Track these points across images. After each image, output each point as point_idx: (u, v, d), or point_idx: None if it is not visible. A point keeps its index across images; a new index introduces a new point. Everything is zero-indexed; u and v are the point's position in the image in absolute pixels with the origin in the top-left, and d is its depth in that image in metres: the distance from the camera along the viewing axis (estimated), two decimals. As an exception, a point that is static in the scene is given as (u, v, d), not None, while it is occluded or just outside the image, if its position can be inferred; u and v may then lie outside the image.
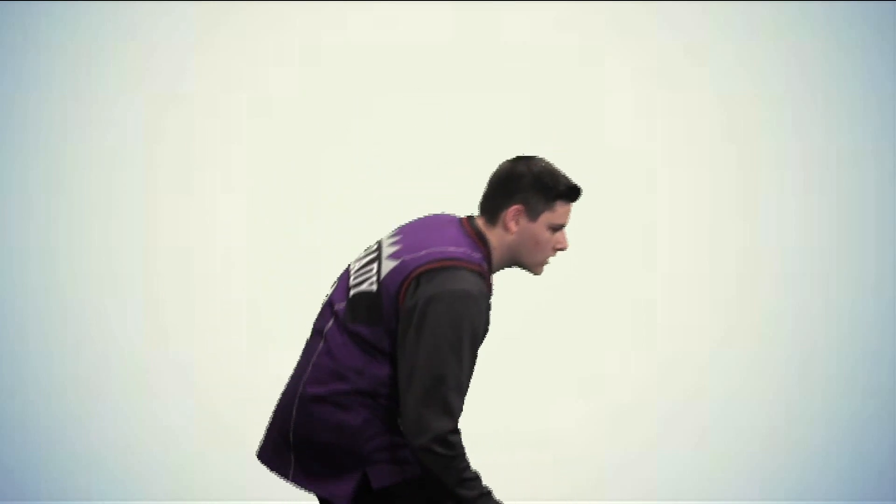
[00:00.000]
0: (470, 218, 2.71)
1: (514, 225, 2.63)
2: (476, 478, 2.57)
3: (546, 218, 2.64)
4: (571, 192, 2.66)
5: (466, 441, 2.67)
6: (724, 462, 4.86)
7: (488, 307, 2.59)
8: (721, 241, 4.95)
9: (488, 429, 4.78)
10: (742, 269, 4.94)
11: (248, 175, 4.83)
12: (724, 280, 4.94)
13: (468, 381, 2.55)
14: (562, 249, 2.71)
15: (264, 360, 4.69)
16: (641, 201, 4.98)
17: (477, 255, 2.60)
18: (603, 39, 4.99)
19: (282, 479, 2.73)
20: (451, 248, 2.57)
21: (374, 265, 2.63)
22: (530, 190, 2.62)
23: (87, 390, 4.71)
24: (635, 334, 4.93)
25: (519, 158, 2.69)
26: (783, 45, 4.97)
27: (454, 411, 2.51)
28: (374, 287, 2.59)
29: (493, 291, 2.71)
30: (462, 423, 2.67)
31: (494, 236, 2.66)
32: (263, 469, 4.80)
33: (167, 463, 4.72)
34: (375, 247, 2.68)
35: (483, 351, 4.89)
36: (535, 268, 2.71)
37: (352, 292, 2.64)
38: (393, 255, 2.61)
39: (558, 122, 4.95)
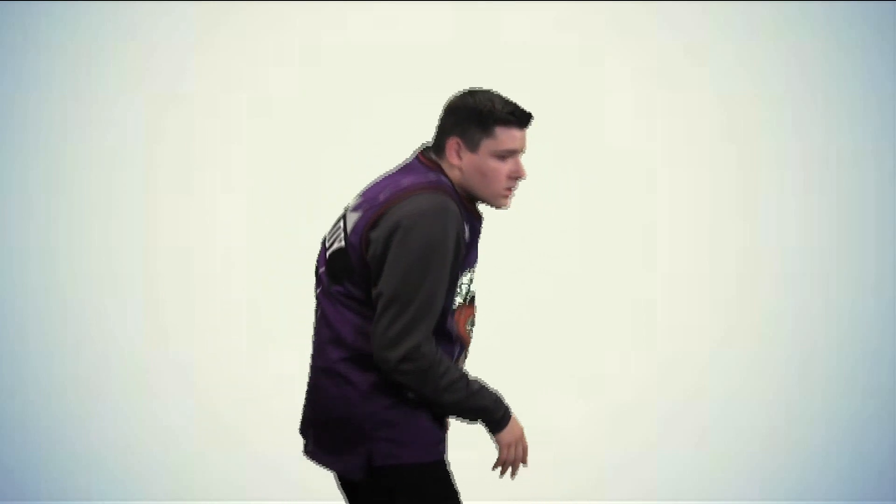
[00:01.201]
0: (426, 150, 2.66)
1: (456, 158, 2.57)
2: (459, 379, 2.52)
3: (487, 146, 2.54)
4: (512, 117, 2.55)
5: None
6: (724, 462, 4.86)
7: (458, 220, 2.50)
8: (721, 241, 4.95)
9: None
10: (742, 269, 4.95)
11: (249, 175, 4.83)
12: (724, 280, 4.95)
13: (440, 295, 2.47)
14: (519, 178, 2.61)
15: (264, 360, 4.69)
16: (641, 201, 4.99)
17: (432, 176, 2.57)
18: (603, 39, 5.00)
19: (305, 457, 2.72)
20: (406, 181, 2.55)
21: (341, 222, 2.63)
22: (465, 121, 2.54)
23: (87, 390, 4.72)
24: (635, 334, 4.94)
25: (464, 92, 2.61)
26: (783, 44, 4.97)
27: (423, 326, 2.45)
28: (343, 243, 2.58)
29: (480, 215, 2.68)
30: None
31: (448, 170, 2.61)
32: (263, 469, 4.82)
33: (167, 463, 4.73)
34: (343, 210, 2.70)
35: (485, 349, 4.89)
36: (493, 200, 2.61)
37: (327, 254, 2.64)
38: (355, 208, 2.60)
39: (558, 122, 4.95)
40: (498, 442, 2.65)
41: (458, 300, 2.64)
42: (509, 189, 2.62)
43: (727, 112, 4.97)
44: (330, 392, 2.60)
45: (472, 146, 2.55)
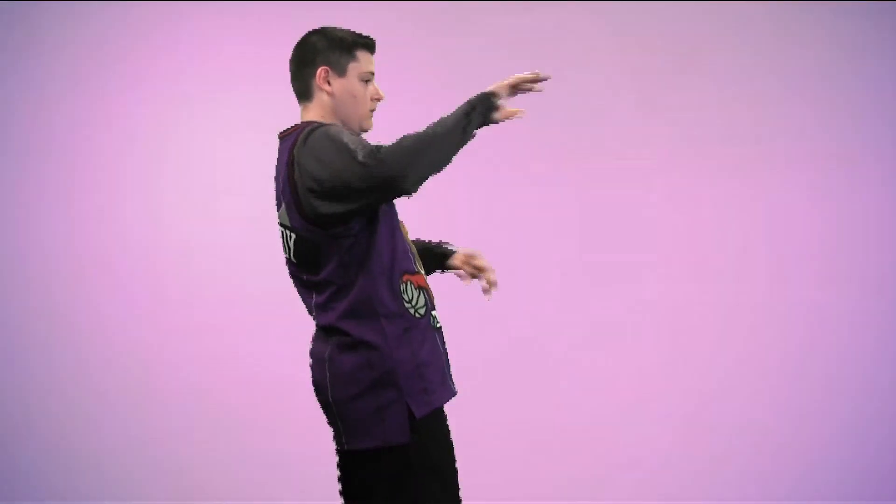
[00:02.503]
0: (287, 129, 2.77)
1: (327, 85, 2.70)
2: (430, 127, 2.52)
3: (353, 69, 2.71)
4: (367, 40, 2.74)
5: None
6: (729, 462, 4.86)
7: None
8: (724, 241, 4.95)
9: (498, 424, 4.79)
10: (744, 269, 4.95)
11: (248, 174, 4.83)
12: (728, 280, 4.95)
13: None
14: (379, 99, 2.77)
15: (265, 359, 4.69)
16: (642, 201, 4.99)
17: (312, 122, 2.67)
18: (601, 39, 4.99)
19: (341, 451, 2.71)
20: (290, 140, 2.64)
21: (281, 231, 2.71)
22: (328, 49, 2.70)
23: (88, 390, 4.72)
24: (641, 333, 4.94)
25: (310, 31, 2.77)
26: (784, 44, 4.97)
27: (363, 144, 2.48)
28: (293, 233, 2.64)
29: None
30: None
31: (316, 108, 2.73)
32: (263, 469, 4.81)
33: (167, 463, 4.72)
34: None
35: (495, 349, 4.88)
36: (362, 122, 2.75)
37: (293, 256, 2.68)
38: (277, 204, 2.70)
39: (558, 122, 4.95)
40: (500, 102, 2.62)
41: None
42: (372, 110, 2.78)
43: (727, 112, 4.97)
44: (350, 363, 2.60)
45: (341, 71, 2.71)
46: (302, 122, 2.71)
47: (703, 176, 4.96)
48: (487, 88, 2.60)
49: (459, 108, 2.54)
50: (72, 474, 4.69)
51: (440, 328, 2.74)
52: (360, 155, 2.43)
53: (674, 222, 4.96)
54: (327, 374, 2.63)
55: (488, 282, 2.93)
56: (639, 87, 4.97)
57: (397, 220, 2.70)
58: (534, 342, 4.88)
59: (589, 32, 4.98)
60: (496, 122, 2.65)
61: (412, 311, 2.63)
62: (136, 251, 4.77)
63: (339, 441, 2.67)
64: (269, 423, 4.73)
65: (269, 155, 4.80)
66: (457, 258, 3.01)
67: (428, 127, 2.49)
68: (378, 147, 2.45)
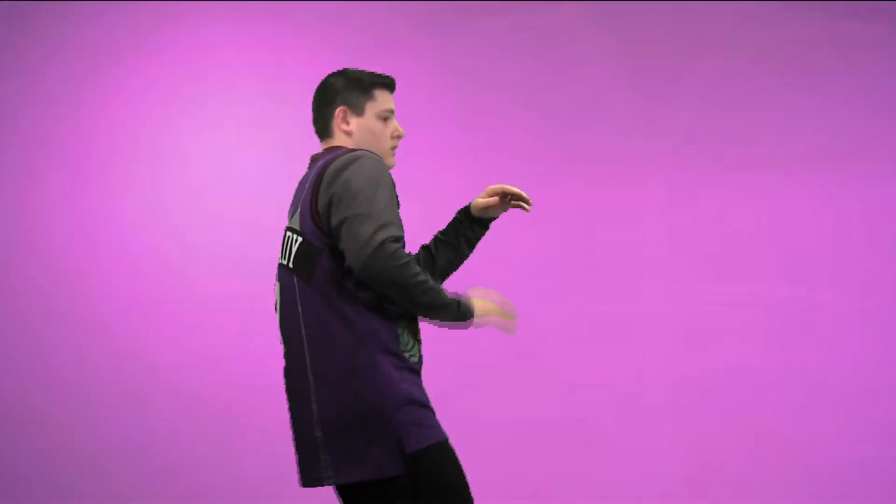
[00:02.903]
0: (314, 155, 2.81)
1: (345, 125, 2.75)
2: (428, 279, 2.56)
3: (371, 108, 2.75)
4: (384, 79, 2.78)
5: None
6: (728, 461, 4.86)
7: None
8: (724, 241, 4.95)
9: (517, 420, 4.79)
10: (744, 269, 4.95)
11: (249, 174, 4.83)
12: (731, 280, 4.95)
13: (398, 213, 2.59)
14: (399, 136, 2.81)
15: (265, 359, 4.69)
16: (642, 201, 4.99)
17: (340, 150, 2.70)
18: (601, 39, 4.99)
19: (320, 484, 2.69)
20: (324, 161, 2.68)
21: (287, 234, 2.72)
22: (346, 90, 2.75)
23: (87, 390, 4.72)
24: (641, 333, 4.94)
25: (331, 73, 2.80)
26: (783, 44, 4.97)
27: (393, 228, 2.52)
28: (299, 238, 2.66)
29: None
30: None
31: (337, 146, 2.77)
32: (263, 470, 4.81)
33: (167, 464, 4.72)
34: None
35: (494, 349, 4.88)
36: (384, 159, 2.77)
37: (292, 261, 2.68)
38: (292, 211, 2.72)
39: (558, 122, 4.95)
40: (480, 324, 2.72)
41: None
42: (394, 148, 2.81)
43: (729, 111, 4.97)
44: (340, 389, 2.60)
45: (359, 110, 2.75)
46: (339, 148, 2.73)
47: (704, 176, 4.96)
48: (474, 309, 2.69)
49: (454, 302, 2.62)
50: (71, 475, 4.68)
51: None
52: (374, 231, 2.49)
53: (674, 222, 4.96)
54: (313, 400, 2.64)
55: (521, 200, 2.93)
56: (639, 87, 4.97)
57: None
58: (534, 342, 4.88)
59: (589, 32, 4.98)
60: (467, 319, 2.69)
61: (407, 355, 2.64)
62: (135, 251, 4.76)
63: (324, 475, 2.63)
64: (269, 424, 4.73)
65: (269, 155, 4.81)
66: (477, 202, 3.00)
67: (434, 286, 2.56)
68: (394, 242, 2.50)
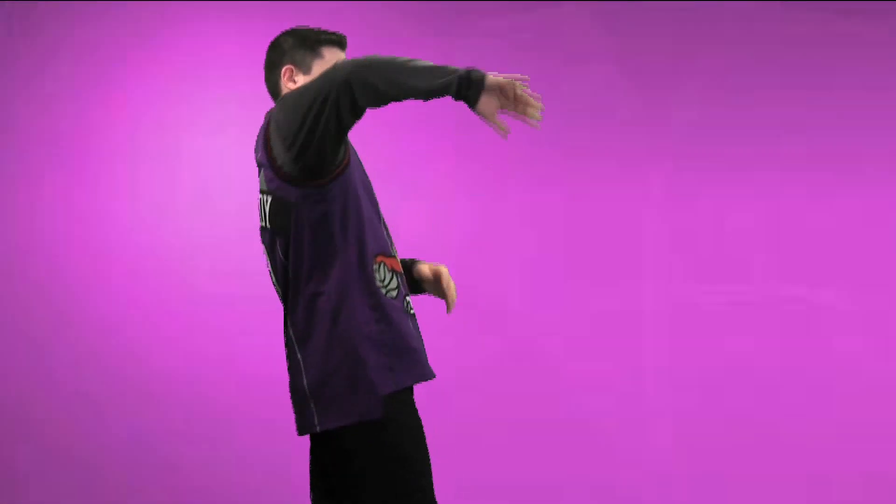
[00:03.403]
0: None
1: (292, 84, 2.71)
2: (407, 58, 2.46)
3: (319, 66, 2.71)
4: (334, 37, 2.74)
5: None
6: (728, 462, 4.86)
7: None
8: (724, 241, 4.95)
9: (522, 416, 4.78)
10: (744, 269, 4.95)
11: (249, 174, 4.83)
12: (731, 280, 4.94)
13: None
14: None
15: (264, 359, 4.69)
16: (642, 201, 4.98)
17: None
18: (601, 39, 4.99)
19: (310, 433, 2.65)
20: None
21: (260, 196, 2.70)
22: (293, 49, 2.72)
23: (87, 391, 4.71)
24: (641, 333, 4.93)
25: (282, 32, 2.79)
26: (784, 44, 4.97)
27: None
28: (269, 196, 2.64)
29: None
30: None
31: None
32: (263, 470, 4.80)
33: (167, 464, 4.72)
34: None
35: (494, 349, 4.87)
36: None
37: (267, 220, 2.67)
38: (258, 171, 2.70)
39: (558, 121, 4.95)
40: (486, 98, 2.49)
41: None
42: None
43: (729, 112, 4.97)
44: (319, 338, 2.57)
45: (305, 69, 2.71)
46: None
47: (704, 175, 4.95)
48: (484, 75, 2.47)
49: (447, 68, 2.46)
50: (71, 475, 4.68)
51: (413, 314, 2.70)
52: (330, 78, 2.45)
53: (673, 222, 4.95)
54: (299, 357, 2.62)
55: (448, 301, 2.84)
56: (639, 86, 4.97)
57: (376, 205, 2.68)
58: (533, 342, 4.88)
59: (589, 32, 4.98)
60: (476, 109, 2.48)
61: (383, 290, 2.61)
62: (135, 251, 4.76)
63: (309, 425, 2.61)
64: (269, 424, 4.73)
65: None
66: (422, 268, 2.91)
67: (405, 59, 2.44)
68: (345, 66, 2.44)
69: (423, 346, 2.68)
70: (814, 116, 4.93)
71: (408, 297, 2.69)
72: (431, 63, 2.46)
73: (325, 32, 2.75)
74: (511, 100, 2.48)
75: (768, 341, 4.89)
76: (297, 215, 2.58)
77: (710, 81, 4.97)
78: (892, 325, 4.89)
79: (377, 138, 4.76)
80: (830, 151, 4.93)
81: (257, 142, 2.69)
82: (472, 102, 2.47)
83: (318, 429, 2.59)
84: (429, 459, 2.61)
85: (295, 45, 2.72)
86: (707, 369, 4.88)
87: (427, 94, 2.46)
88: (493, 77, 2.47)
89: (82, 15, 4.78)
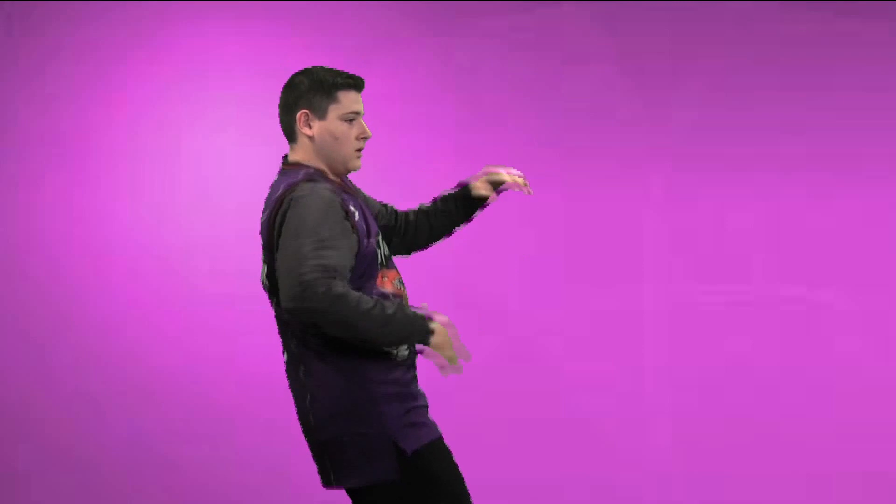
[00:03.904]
0: (285, 157, 2.80)
1: (307, 129, 2.72)
2: (375, 303, 2.48)
3: (334, 111, 2.71)
4: (350, 81, 2.73)
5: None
6: (728, 462, 4.86)
7: (335, 192, 2.62)
8: (724, 241, 4.95)
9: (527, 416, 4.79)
10: (744, 269, 4.95)
11: (249, 174, 4.83)
12: (731, 280, 4.95)
13: (345, 249, 2.52)
14: (366, 138, 2.75)
15: (264, 359, 4.69)
16: (642, 201, 4.98)
17: (301, 174, 2.69)
18: (601, 39, 4.99)
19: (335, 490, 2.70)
20: (280, 189, 2.67)
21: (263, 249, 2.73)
22: (308, 93, 2.71)
23: (87, 391, 4.72)
24: (641, 333, 4.94)
25: (296, 72, 2.78)
26: (784, 44, 4.97)
27: (330, 253, 2.46)
28: (265, 261, 2.69)
29: (350, 188, 2.81)
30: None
31: (302, 151, 2.74)
32: (263, 470, 4.80)
33: (167, 463, 4.72)
34: None
35: (495, 349, 4.88)
36: (347, 162, 2.74)
37: (265, 281, 2.71)
38: (262, 216, 2.73)
39: (558, 121, 4.95)
40: (428, 355, 2.62)
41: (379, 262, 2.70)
42: (359, 150, 2.75)
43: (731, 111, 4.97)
44: (332, 402, 2.60)
45: (321, 114, 2.71)
46: (299, 168, 2.72)
47: (703, 175, 4.95)
48: (432, 328, 2.57)
49: (406, 319, 2.51)
50: (71, 475, 4.68)
51: (416, 375, 2.72)
52: (315, 249, 2.45)
53: (673, 221, 4.96)
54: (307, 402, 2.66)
55: (517, 187, 2.94)
56: (639, 87, 4.97)
57: (375, 270, 2.68)
58: (533, 341, 4.88)
59: (589, 32, 4.98)
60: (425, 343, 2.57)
61: (394, 353, 2.63)
62: (135, 251, 4.76)
63: (332, 478, 2.65)
64: (269, 424, 4.73)
65: (269, 155, 4.80)
66: (477, 188, 3.02)
67: (373, 308, 2.46)
68: (324, 274, 2.43)
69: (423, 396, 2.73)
70: (813, 117, 4.93)
71: (415, 356, 2.71)
72: (392, 318, 2.50)
73: (342, 75, 2.73)
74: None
75: (768, 341, 4.89)
76: None
77: (710, 82, 4.97)
78: (892, 325, 4.89)
79: (377, 138, 4.75)
80: (830, 152, 4.93)
81: (269, 197, 2.69)
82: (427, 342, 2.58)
83: (336, 484, 2.63)
84: (463, 484, 2.66)
85: (310, 87, 2.71)
86: (707, 369, 4.88)
87: (382, 343, 2.56)
88: (439, 336, 2.58)
89: (82, 15, 4.78)
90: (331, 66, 2.78)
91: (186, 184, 4.81)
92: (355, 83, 2.74)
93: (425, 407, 2.69)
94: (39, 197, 4.74)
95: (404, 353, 2.65)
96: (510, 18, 4.96)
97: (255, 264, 4.67)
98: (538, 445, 4.83)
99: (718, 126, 4.95)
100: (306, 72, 2.75)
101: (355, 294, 2.45)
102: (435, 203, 3.05)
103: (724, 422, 4.85)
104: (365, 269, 2.62)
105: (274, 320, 2.74)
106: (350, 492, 2.68)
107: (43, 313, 4.71)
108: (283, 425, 4.70)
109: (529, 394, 4.86)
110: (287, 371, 2.71)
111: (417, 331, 2.54)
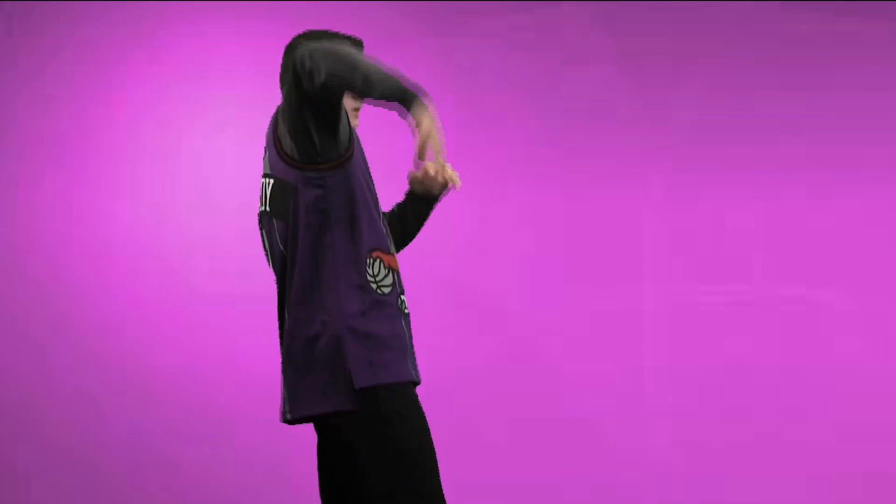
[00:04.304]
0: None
1: None
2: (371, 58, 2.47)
3: None
4: (347, 40, 2.71)
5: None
6: (728, 462, 4.86)
7: None
8: (724, 241, 4.95)
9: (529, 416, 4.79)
10: (744, 269, 4.95)
11: (249, 174, 4.83)
12: (731, 280, 4.94)
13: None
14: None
15: (264, 359, 4.69)
16: (642, 201, 4.98)
17: None
18: (601, 39, 4.99)
19: (287, 422, 2.65)
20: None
21: (262, 181, 2.71)
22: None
23: (87, 391, 4.71)
24: (641, 333, 4.94)
25: (294, 37, 2.77)
26: (784, 44, 4.97)
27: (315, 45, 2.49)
28: (270, 179, 2.65)
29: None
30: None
31: None
32: (263, 469, 4.80)
33: (167, 463, 4.72)
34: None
35: (495, 349, 4.86)
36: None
37: (267, 203, 2.67)
38: (264, 157, 2.71)
39: (558, 121, 4.95)
40: (418, 119, 2.48)
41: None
42: (356, 109, 2.76)
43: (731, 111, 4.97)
44: (304, 325, 2.57)
45: None
46: None
47: (703, 175, 4.95)
48: (426, 104, 2.48)
49: (403, 82, 2.47)
50: (71, 475, 4.68)
51: (408, 314, 2.67)
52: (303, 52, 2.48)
53: (673, 221, 4.96)
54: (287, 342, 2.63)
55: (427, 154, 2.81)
56: (639, 86, 4.97)
57: (377, 203, 2.66)
58: (533, 341, 4.88)
59: (589, 32, 4.98)
60: (413, 127, 2.47)
61: (374, 286, 2.59)
62: (135, 251, 4.76)
63: (283, 412, 2.63)
64: (269, 424, 4.72)
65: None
66: (413, 178, 2.89)
67: (368, 60, 2.46)
68: (308, 42, 2.50)
69: (412, 346, 2.66)
70: (813, 117, 4.93)
71: (402, 297, 2.68)
72: (390, 75, 2.48)
73: (340, 35, 2.72)
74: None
75: (768, 341, 4.89)
76: (295, 199, 2.57)
77: (710, 82, 4.97)
78: (892, 325, 4.89)
79: (377, 138, 4.75)
80: (830, 152, 4.93)
81: (269, 124, 2.70)
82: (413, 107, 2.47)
83: (289, 416, 2.59)
84: (434, 455, 2.59)
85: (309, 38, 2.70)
86: (707, 369, 4.88)
87: (379, 92, 2.49)
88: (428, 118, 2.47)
89: (82, 15, 4.78)
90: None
91: (186, 184, 4.81)
92: (355, 42, 2.71)
93: (404, 351, 2.60)
94: (39, 197, 4.74)
95: (387, 288, 2.61)
96: (510, 18, 4.96)
97: (256, 264, 4.68)
98: (538, 445, 4.83)
99: (718, 126, 4.95)
100: (306, 33, 2.74)
101: (344, 50, 2.45)
102: (389, 214, 2.95)
103: (724, 422, 4.85)
104: (365, 193, 2.62)
105: (275, 321, 2.73)
106: (330, 434, 2.61)
107: (43, 313, 4.71)
108: (283, 425, 4.71)
109: (529, 394, 4.86)
110: (278, 301, 2.68)
111: (414, 87, 2.48)
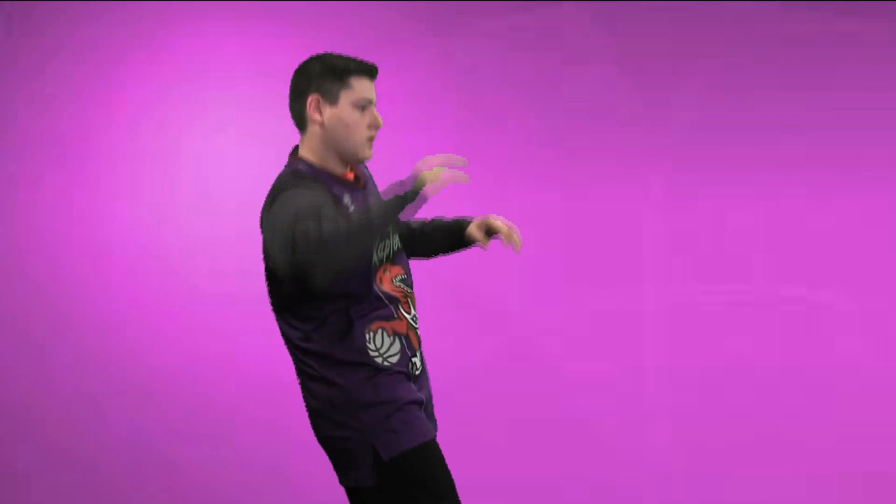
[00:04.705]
0: (294, 149, 2.75)
1: (318, 115, 2.64)
2: (350, 216, 2.43)
3: (346, 97, 2.63)
4: (364, 67, 2.66)
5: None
6: (728, 463, 4.87)
7: (328, 191, 2.59)
8: (724, 241, 4.95)
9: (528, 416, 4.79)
10: (744, 269, 4.95)
11: (249, 173, 4.83)
12: (731, 280, 4.95)
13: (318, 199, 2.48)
14: (378, 126, 2.69)
15: (264, 359, 4.69)
16: (642, 201, 4.99)
17: (288, 168, 2.66)
18: (601, 39, 4.99)
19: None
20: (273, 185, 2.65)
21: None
22: (320, 78, 2.63)
23: (87, 391, 4.72)
24: (641, 333, 4.94)
25: (309, 58, 2.71)
26: (784, 44, 4.97)
27: (301, 213, 2.41)
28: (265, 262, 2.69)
29: (354, 179, 2.74)
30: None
31: (311, 139, 2.67)
32: (263, 469, 4.81)
33: (167, 463, 4.72)
34: None
35: (495, 349, 4.88)
36: (358, 150, 2.67)
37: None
38: None
39: (558, 121, 4.95)
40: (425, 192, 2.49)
41: (376, 259, 2.64)
42: (371, 139, 2.69)
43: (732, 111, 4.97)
44: (322, 415, 2.61)
45: (332, 99, 2.63)
46: (296, 163, 2.68)
47: (703, 175, 4.96)
48: (416, 177, 2.48)
49: (388, 201, 2.45)
50: (71, 475, 4.68)
51: (418, 374, 2.68)
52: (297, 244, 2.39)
53: (673, 221, 4.96)
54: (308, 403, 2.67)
55: (508, 242, 2.82)
56: (639, 86, 4.97)
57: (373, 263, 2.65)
58: (533, 342, 4.88)
59: (589, 32, 4.98)
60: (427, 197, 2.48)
61: (380, 360, 2.59)
62: (135, 251, 4.77)
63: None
64: (269, 424, 4.73)
65: (269, 155, 4.80)
66: (471, 230, 2.91)
67: (351, 222, 2.39)
68: (298, 224, 2.38)
69: (430, 400, 2.69)
70: (813, 117, 4.93)
71: (413, 359, 2.66)
72: (375, 212, 2.43)
73: (355, 61, 2.66)
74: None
75: (768, 341, 4.89)
76: (285, 287, 2.59)
77: (710, 82, 4.97)
78: (892, 325, 4.89)
79: (378, 139, 4.75)
80: (830, 152, 4.93)
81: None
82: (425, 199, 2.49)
83: (341, 482, 2.65)
84: (449, 486, 2.61)
85: (322, 72, 2.64)
86: (707, 369, 4.88)
87: (384, 230, 2.48)
88: (430, 181, 2.49)
89: (82, 15, 4.78)
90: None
91: (186, 184, 4.81)
92: (368, 70, 2.67)
93: (421, 403, 2.64)
94: (39, 197, 4.74)
95: (395, 356, 2.62)
96: (510, 18, 4.96)
97: (256, 264, 4.67)
98: (538, 445, 4.83)
99: (718, 126, 4.95)
100: (318, 57, 2.68)
101: (326, 225, 2.36)
102: (423, 226, 2.95)
103: (724, 422, 4.85)
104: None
105: (272, 320, 2.74)
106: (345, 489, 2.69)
107: (43, 313, 4.71)
108: (283, 425, 4.71)
109: (529, 394, 4.86)
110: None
111: (403, 199, 2.45)
